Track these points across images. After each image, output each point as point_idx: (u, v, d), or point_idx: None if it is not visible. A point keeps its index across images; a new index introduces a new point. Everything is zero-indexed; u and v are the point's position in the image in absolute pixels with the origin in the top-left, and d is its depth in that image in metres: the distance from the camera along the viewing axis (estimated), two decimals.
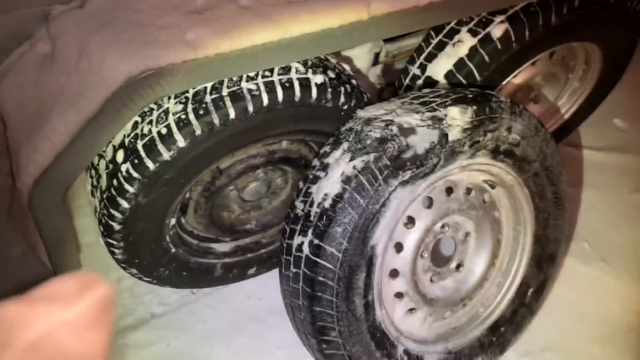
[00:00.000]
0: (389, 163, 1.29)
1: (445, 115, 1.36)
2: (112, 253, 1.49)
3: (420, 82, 1.72)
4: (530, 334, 1.84)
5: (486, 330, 1.65)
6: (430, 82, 1.69)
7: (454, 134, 1.34)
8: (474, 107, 1.37)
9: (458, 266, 1.62)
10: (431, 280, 1.57)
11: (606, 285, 1.99)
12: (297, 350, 1.62)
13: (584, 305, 1.94)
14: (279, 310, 1.62)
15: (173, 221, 1.55)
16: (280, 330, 1.79)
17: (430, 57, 1.68)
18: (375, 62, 1.86)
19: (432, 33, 1.69)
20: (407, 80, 1.76)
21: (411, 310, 1.54)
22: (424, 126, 1.34)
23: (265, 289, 1.92)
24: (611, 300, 1.95)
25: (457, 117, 1.36)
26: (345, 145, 1.36)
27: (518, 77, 1.85)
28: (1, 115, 1.25)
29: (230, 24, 1.15)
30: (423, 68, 1.70)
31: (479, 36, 1.59)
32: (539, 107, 2.10)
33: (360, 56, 1.78)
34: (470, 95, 1.42)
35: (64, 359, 0.37)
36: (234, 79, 1.30)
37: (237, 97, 1.28)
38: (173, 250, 1.60)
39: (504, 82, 1.73)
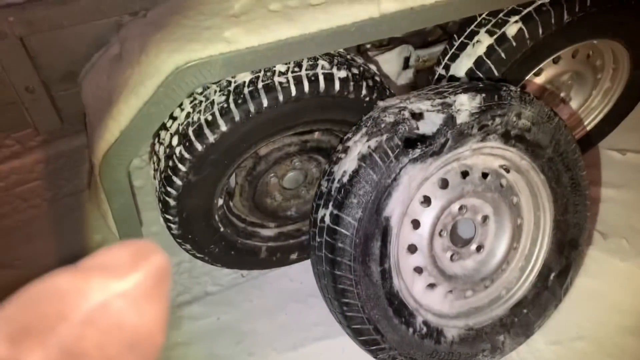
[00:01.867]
0: (399, 142, 1.46)
1: (454, 101, 1.51)
2: (169, 228, 1.74)
3: (444, 81, 1.87)
4: (562, 324, 1.89)
5: (508, 311, 1.74)
6: (454, 81, 1.85)
7: (462, 118, 1.49)
8: (483, 95, 1.52)
9: (479, 248, 1.73)
10: (451, 259, 1.69)
11: None
12: (333, 328, 1.79)
13: (618, 297, 1.96)
14: (318, 293, 1.79)
15: (221, 202, 1.79)
16: (319, 310, 1.96)
17: (453, 58, 1.84)
18: (406, 66, 2.05)
19: (455, 36, 1.85)
20: (434, 80, 1.92)
21: (431, 285, 1.67)
22: (433, 111, 1.50)
23: (307, 274, 2.09)
24: None
25: (465, 103, 1.50)
26: (364, 130, 1.54)
27: (542, 76, 1.96)
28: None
29: (260, 24, 1.39)
30: (447, 68, 1.86)
31: (496, 36, 1.73)
32: (570, 107, 2.17)
33: (390, 60, 1.97)
34: (481, 85, 1.57)
35: (121, 331, 0.34)
36: (268, 74, 1.54)
37: (269, 88, 1.52)
38: (222, 229, 1.84)
39: (525, 79, 1.85)
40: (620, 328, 1.88)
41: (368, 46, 2.14)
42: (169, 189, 1.61)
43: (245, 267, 2.05)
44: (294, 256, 2.05)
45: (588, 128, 2.25)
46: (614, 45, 1.95)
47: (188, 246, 1.82)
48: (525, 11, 1.70)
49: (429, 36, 2.31)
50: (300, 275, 2.10)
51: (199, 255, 1.86)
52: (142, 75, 1.37)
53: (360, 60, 1.74)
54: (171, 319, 1.99)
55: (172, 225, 1.72)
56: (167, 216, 1.69)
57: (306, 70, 1.56)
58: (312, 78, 1.55)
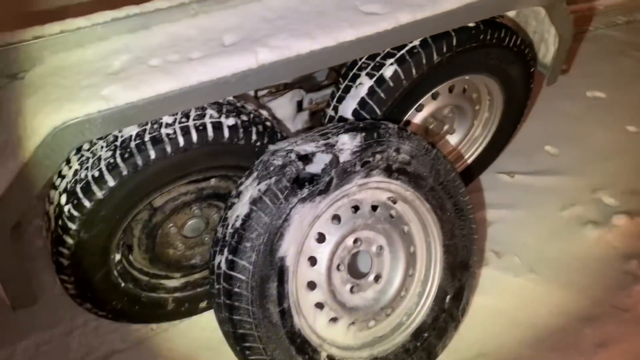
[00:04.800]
0: (288, 184, 1.52)
1: (337, 141, 1.60)
2: (66, 289, 1.70)
3: (334, 121, 1.97)
4: (464, 343, 1.98)
5: (410, 336, 1.81)
6: (342, 121, 1.95)
7: (344, 156, 1.58)
8: (363, 133, 1.62)
9: (377, 278, 1.80)
10: (351, 292, 1.75)
11: (534, 292, 2.15)
12: None
13: (514, 312, 2.08)
14: None
15: (118, 257, 1.76)
16: (231, 357, 1.94)
17: (340, 100, 1.95)
18: (300, 109, 2.14)
19: (340, 79, 1.97)
20: (326, 121, 2.01)
21: (334, 319, 1.71)
22: (318, 151, 1.58)
23: None
24: (540, 306, 2.10)
25: (347, 142, 1.60)
26: (255, 174, 1.60)
27: (424, 111, 2.10)
28: None
29: (139, 79, 1.42)
30: (336, 109, 1.97)
31: (375, 78, 1.86)
32: (456, 137, 2.34)
33: (283, 105, 2.05)
34: (361, 125, 1.67)
35: None
36: (155, 126, 1.56)
37: (157, 140, 1.54)
38: (122, 285, 1.80)
39: (407, 115, 1.98)
40: (519, 341, 2.00)
41: (263, 92, 2.22)
42: (60, 248, 1.58)
43: (153, 321, 2.01)
44: (203, 305, 2.04)
45: (475, 155, 2.41)
46: (485, 79, 2.14)
47: (88, 305, 1.77)
48: (399, 54, 1.84)
49: (324, 79, 2.43)
50: (211, 323, 2.05)
51: (101, 313, 1.82)
52: (19, 139, 1.36)
53: (250, 107, 1.81)
54: None
55: (69, 286, 1.68)
56: (62, 277, 1.65)
57: (194, 120, 1.60)
58: (200, 127, 1.59)
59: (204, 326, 2.09)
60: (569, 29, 2.13)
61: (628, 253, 2.28)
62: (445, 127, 2.26)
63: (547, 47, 2.19)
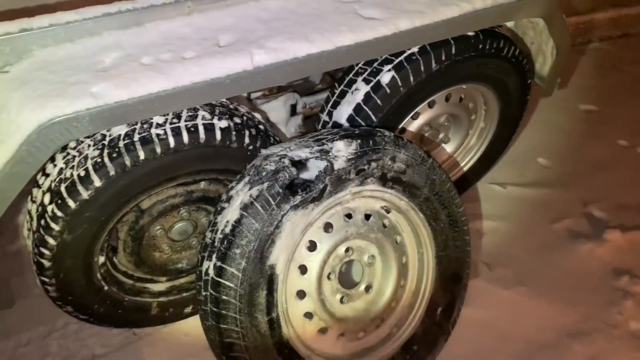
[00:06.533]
0: (280, 190, 1.47)
1: (332, 148, 1.56)
2: (47, 291, 1.64)
3: (329, 127, 1.93)
4: (453, 357, 1.95)
5: (399, 349, 1.77)
6: (337, 126, 1.91)
7: (339, 164, 1.54)
8: (358, 141, 1.58)
9: (367, 288, 1.76)
10: (341, 302, 1.71)
11: (524, 306, 2.12)
12: None
13: (504, 325, 2.06)
14: None
15: (102, 259, 1.71)
16: None
17: (335, 105, 1.91)
18: (293, 113, 2.10)
19: (336, 84, 1.93)
20: (320, 127, 1.98)
21: (323, 330, 1.67)
22: (312, 158, 1.54)
23: None
24: (529, 320, 2.07)
25: (342, 149, 1.56)
26: (246, 178, 1.55)
27: (420, 119, 2.07)
28: None
29: (130, 77, 1.37)
30: (330, 114, 1.93)
31: (371, 84, 1.82)
32: (450, 146, 2.31)
33: (276, 108, 2.01)
34: (357, 132, 1.63)
35: None
36: (145, 126, 1.51)
37: (146, 141, 1.49)
38: (105, 288, 1.75)
39: (402, 122, 1.95)
40: (508, 355, 1.97)
41: (257, 94, 2.18)
42: (42, 249, 1.53)
43: (136, 325, 1.95)
44: (188, 310, 1.99)
45: (468, 166, 2.39)
46: (482, 89, 2.12)
47: (69, 308, 1.71)
48: (397, 60, 1.81)
49: (318, 83, 2.39)
50: (196, 329, 2.02)
51: (82, 317, 1.76)
52: (2, 134, 1.30)
53: (243, 110, 1.76)
54: None
55: (49, 288, 1.62)
56: (43, 278, 1.59)
57: (185, 121, 1.55)
58: (192, 129, 1.54)
59: (188, 332, 2.04)
60: (566, 41, 2.12)
61: (619, 268, 2.26)
62: (440, 136, 2.24)
63: (545, 58, 2.18)
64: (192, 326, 2.04)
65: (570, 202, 2.59)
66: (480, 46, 1.90)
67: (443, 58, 1.83)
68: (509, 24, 2.20)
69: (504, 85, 2.11)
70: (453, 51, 1.84)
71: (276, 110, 2.03)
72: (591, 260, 2.32)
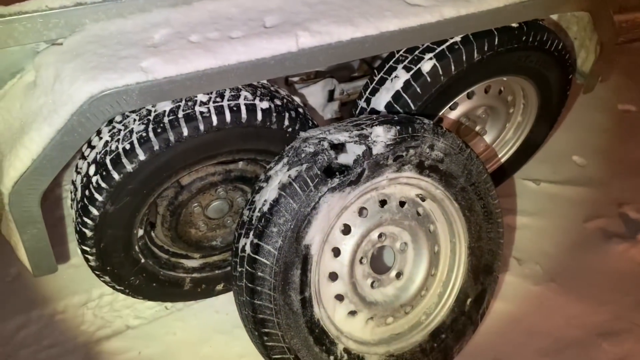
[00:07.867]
0: (319, 172, 1.49)
1: (371, 133, 1.57)
2: (87, 260, 1.69)
3: (365, 113, 1.94)
4: (480, 348, 1.96)
5: (427, 336, 1.78)
6: (374, 113, 1.92)
7: (377, 149, 1.55)
8: (398, 127, 1.59)
9: (398, 275, 1.77)
10: (372, 286, 1.72)
11: (554, 302, 2.11)
12: (258, 359, 1.77)
13: (532, 320, 2.05)
14: None
15: (141, 232, 1.75)
16: (244, 341, 1.91)
17: (374, 92, 1.92)
18: (331, 98, 2.11)
19: (375, 71, 1.94)
20: (357, 113, 1.98)
21: (352, 313, 1.69)
22: (351, 142, 1.55)
23: (233, 305, 2.04)
24: (558, 316, 2.06)
25: (381, 135, 1.57)
26: (285, 159, 1.57)
27: (457, 110, 2.07)
28: None
29: (179, 54, 1.40)
30: (368, 101, 1.93)
31: (412, 71, 1.82)
32: (487, 138, 2.30)
33: (315, 93, 2.03)
34: (396, 118, 1.64)
35: None
36: (189, 103, 1.54)
37: (190, 118, 1.52)
38: (142, 260, 1.79)
39: (440, 112, 1.94)
40: (535, 350, 1.97)
41: (295, 79, 2.19)
42: (85, 219, 1.57)
43: (169, 300, 2.00)
44: (219, 287, 2.03)
45: (503, 159, 2.37)
46: (522, 82, 2.10)
47: (107, 278, 1.76)
48: (439, 49, 1.81)
49: (355, 70, 2.40)
50: (226, 306, 2.07)
51: (118, 287, 1.81)
52: (55, 104, 1.35)
53: (284, 92, 1.78)
54: (91, 355, 1.91)
55: (90, 257, 1.67)
56: (84, 247, 1.64)
57: (228, 100, 1.58)
58: (234, 108, 1.57)
59: (218, 309, 2.08)
60: (612, 36, 2.08)
61: None
62: (477, 128, 2.23)
63: (588, 54, 2.15)
64: (222, 303, 2.08)
65: (605, 202, 2.55)
66: (524, 38, 1.88)
67: (485, 49, 1.82)
68: (553, 17, 2.17)
69: (545, 80, 2.09)
70: (496, 42, 1.83)
71: (314, 95, 2.05)
72: (624, 261, 2.29)
